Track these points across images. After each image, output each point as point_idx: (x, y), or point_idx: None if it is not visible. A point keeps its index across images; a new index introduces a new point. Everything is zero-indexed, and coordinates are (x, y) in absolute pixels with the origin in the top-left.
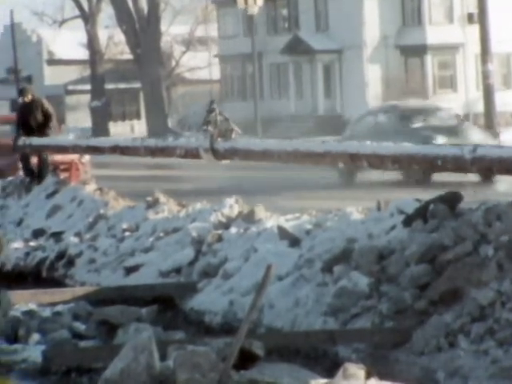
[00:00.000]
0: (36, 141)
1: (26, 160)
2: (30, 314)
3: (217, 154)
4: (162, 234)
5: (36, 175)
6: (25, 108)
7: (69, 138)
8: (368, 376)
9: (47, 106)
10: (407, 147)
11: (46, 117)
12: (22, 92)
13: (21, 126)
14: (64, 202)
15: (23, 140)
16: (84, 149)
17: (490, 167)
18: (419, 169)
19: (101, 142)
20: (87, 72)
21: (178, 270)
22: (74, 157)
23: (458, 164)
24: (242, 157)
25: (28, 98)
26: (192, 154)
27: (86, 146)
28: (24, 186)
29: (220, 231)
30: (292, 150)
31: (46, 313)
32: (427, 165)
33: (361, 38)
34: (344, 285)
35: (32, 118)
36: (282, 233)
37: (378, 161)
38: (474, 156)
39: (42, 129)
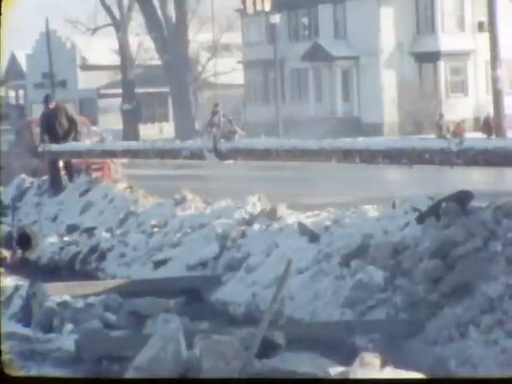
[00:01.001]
0: (54, 147)
1: (54, 169)
2: (63, 305)
3: (220, 155)
4: (188, 230)
5: (61, 187)
6: (49, 115)
7: (85, 143)
8: (383, 365)
9: (71, 112)
10: (397, 142)
11: (71, 123)
12: (45, 99)
13: (46, 133)
14: (96, 200)
15: (43, 147)
16: (99, 153)
17: (475, 159)
18: (408, 162)
19: (114, 146)
20: (118, 77)
21: (203, 264)
22: None
23: (444, 156)
24: (244, 156)
25: (52, 104)
26: (197, 155)
27: (101, 150)
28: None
29: (243, 227)
30: (290, 148)
31: (79, 304)
32: (416, 158)
33: (377, 45)
34: (361, 278)
35: (57, 125)
36: (302, 229)
37: (369, 156)
38: (460, 148)
39: (67, 135)
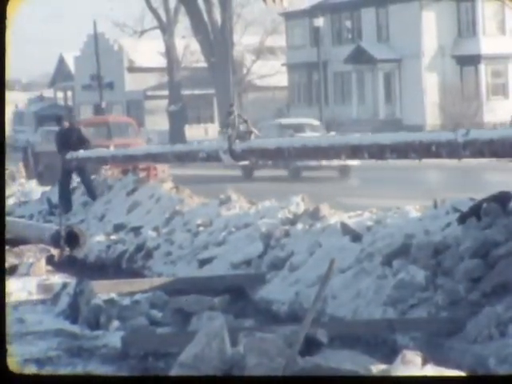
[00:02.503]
0: (81, 154)
1: (64, 184)
2: (110, 302)
3: (235, 155)
4: (233, 229)
5: (70, 205)
6: (63, 135)
7: (110, 150)
8: (424, 362)
9: (84, 132)
10: (405, 135)
11: (83, 143)
12: (58, 120)
13: (65, 152)
14: (143, 199)
15: (71, 154)
16: (121, 158)
17: (481, 150)
18: (416, 156)
19: (135, 151)
20: (165, 79)
21: (248, 263)
22: None
23: (451, 148)
24: (258, 155)
25: (65, 125)
26: (213, 156)
27: (123, 155)
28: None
29: (287, 227)
30: (300, 146)
31: (126, 301)
32: (423, 151)
33: (419, 48)
34: (402, 277)
35: (70, 145)
36: (345, 229)
37: (377, 151)
38: (466, 139)
39: None
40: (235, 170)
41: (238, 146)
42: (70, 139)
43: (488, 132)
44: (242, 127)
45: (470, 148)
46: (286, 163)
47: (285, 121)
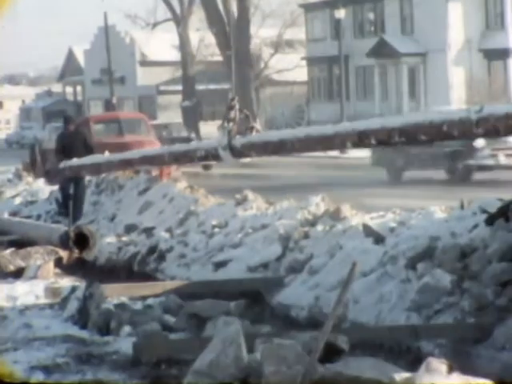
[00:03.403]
0: (73, 162)
1: (64, 191)
2: (121, 306)
3: (235, 151)
4: (250, 231)
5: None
6: (67, 138)
7: (104, 156)
8: (450, 370)
9: (89, 139)
10: (414, 116)
11: (87, 149)
12: (65, 120)
13: (61, 154)
14: (155, 199)
15: (64, 163)
16: (116, 164)
17: (496, 127)
18: (426, 139)
19: (131, 154)
20: (179, 73)
21: (265, 266)
22: None
23: (464, 127)
24: (260, 150)
25: (70, 128)
26: (212, 154)
27: (119, 160)
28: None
29: (306, 228)
30: (304, 136)
31: (137, 306)
32: (434, 133)
33: (445, 42)
34: (427, 281)
35: (74, 150)
36: (367, 230)
37: (385, 135)
38: (480, 116)
39: None
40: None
41: (238, 141)
42: (73, 144)
43: (503, 107)
44: (243, 122)
45: (484, 125)
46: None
47: None
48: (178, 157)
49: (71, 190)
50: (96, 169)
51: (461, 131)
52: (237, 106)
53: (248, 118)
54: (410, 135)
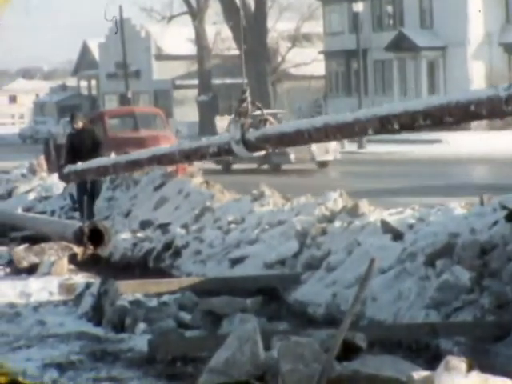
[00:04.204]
0: (78, 166)
1: (80, 187)
2: (136, 303)
3: (249, 145)
4: (266, 227)
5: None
6: (75, 136)
7: (110, 158)
8: (469, 369)
9: (98, 134)
10: (438, 97)
11: (97, 146)
12: (72, 118)
13: (71, 154)
14: (171, 194)
15: (69, 167)
16: (124, 165)
17: None
18: (452, 121)
19: (139, 155)
20: (195, 67)
21: (282, 262)
22: None
23: (492, 106)
24: (275, 142)
25: (78, 125)
26: (224, 149)
27: (126, 161)
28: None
29: (324, 224)
30: (322, 125)
31: (153, 303)
32: (461, 114)
33: (465, 35)
34: (446, 279)
35: (84, 148)
36: (385, 227)
37: (409, 119)
38: (510, 93)
39: (91, 158)
40: None
41: (252, 134)
42: (82, 142)
43: None
44: (256, 115)
45: None
46: None
47: None
48: (188, 154)
49: (88, 186)
50: (102, 172)
51: (489, 110)
52: (249, 99)
53: (261, 110)
54: (436, 118)
